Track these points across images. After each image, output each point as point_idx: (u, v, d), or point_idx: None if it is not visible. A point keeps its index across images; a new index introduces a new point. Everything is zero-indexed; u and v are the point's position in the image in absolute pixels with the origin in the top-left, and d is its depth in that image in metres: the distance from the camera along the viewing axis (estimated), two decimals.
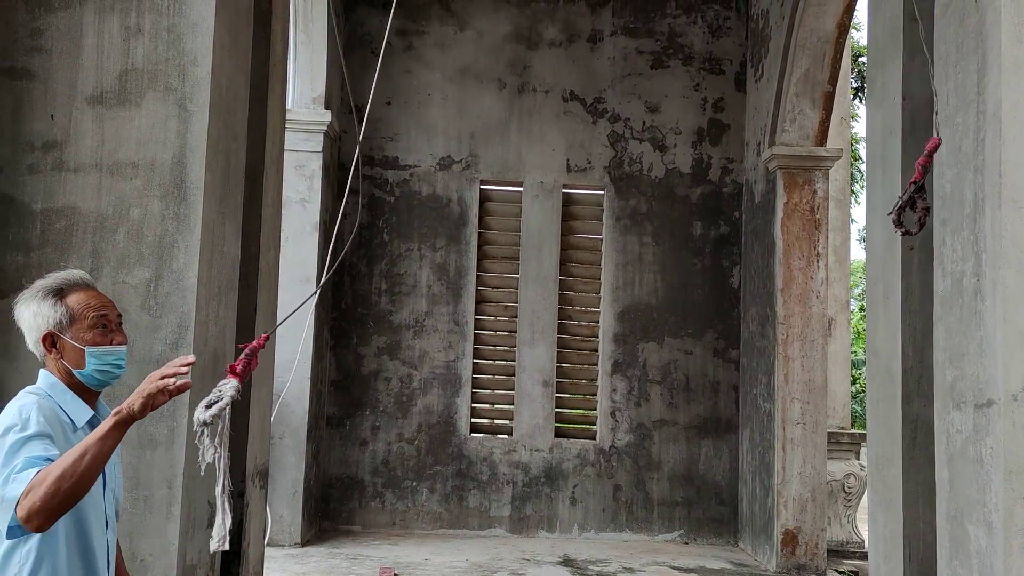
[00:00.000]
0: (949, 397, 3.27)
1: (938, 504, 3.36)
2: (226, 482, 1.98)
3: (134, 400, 1.87)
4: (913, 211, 2.83)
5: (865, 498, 6.26)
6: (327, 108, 7.61)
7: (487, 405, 8.45)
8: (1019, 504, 2.85)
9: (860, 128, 18.90)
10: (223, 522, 1.94)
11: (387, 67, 8.44)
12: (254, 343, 2.03)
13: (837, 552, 7.68)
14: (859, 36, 15.52)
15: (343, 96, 8.35)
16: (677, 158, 8.56)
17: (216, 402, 1.90)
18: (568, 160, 8.51)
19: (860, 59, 14.82)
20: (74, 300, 2.07)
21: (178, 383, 1.88)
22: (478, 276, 8.38)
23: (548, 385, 8.28)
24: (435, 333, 8.28)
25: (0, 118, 3.12)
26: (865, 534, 7.40)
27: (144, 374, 3.18)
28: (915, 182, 2.77)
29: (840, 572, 7.13)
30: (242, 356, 1.98)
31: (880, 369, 4.16)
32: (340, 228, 8.33)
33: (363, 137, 8.42)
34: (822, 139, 7.43)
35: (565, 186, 8.53)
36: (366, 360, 8.25)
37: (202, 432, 1.92)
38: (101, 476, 2.07)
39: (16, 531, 1.87)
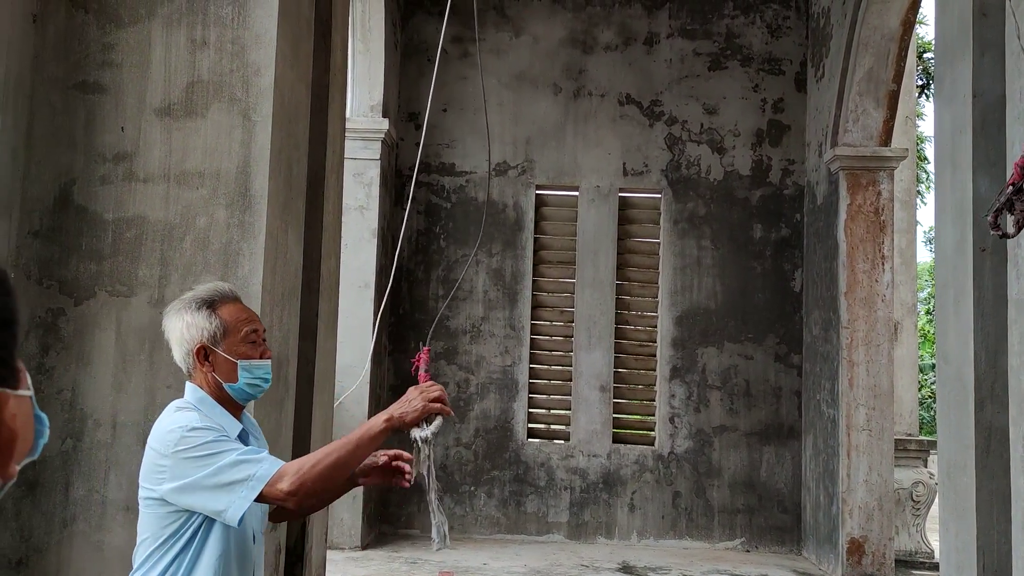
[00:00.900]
0: None
1: (1013, 514, 3.25)
2: (438, 491, 2.10)
3: (407, 412, 1.96)
4: (1011, 213, 2.75)
5: (935, 507, 6.09)
6: (385, 116, 7.69)
7: (544, 410, 8.44)
8: None
9: (926, 127, 18.43)
10: (440, 525, 2.08)
11: (443, 74, 8.50)
12: (420, 360, 2.19)
13: (906, 562, 7.48)
14: (924, 32, 15.15)
15: (400, 104, 8.43)
16: (736, 160, 8.45)
17: (433, 420, 2.02)
18: (624, 164, 8.46)
19: (926, 56, 14.45)
20: (227, 313, 2.05)
21: (445, 409, 2.00)
22: (534, 281, 8.38)
23: (605, 390, 8.23)
24: (491, 338, 8.29)
25: (74, 131, 3.22)
26: (935, 544, 7.19)
27: None
28: (1013, 183, 2.69)
29: None
30: (421, 372, 2.13)
31: (951, 375, 4.05)
32: (399, 235, 8.41)
33: (419, 144, 8.48)
34: (886, 139, 7.26)
35: (621, 190, 8.48)
36: None
37: (418, 449, 2.02)
38: None
39: (238, 512, 1.86)
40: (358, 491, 7.33)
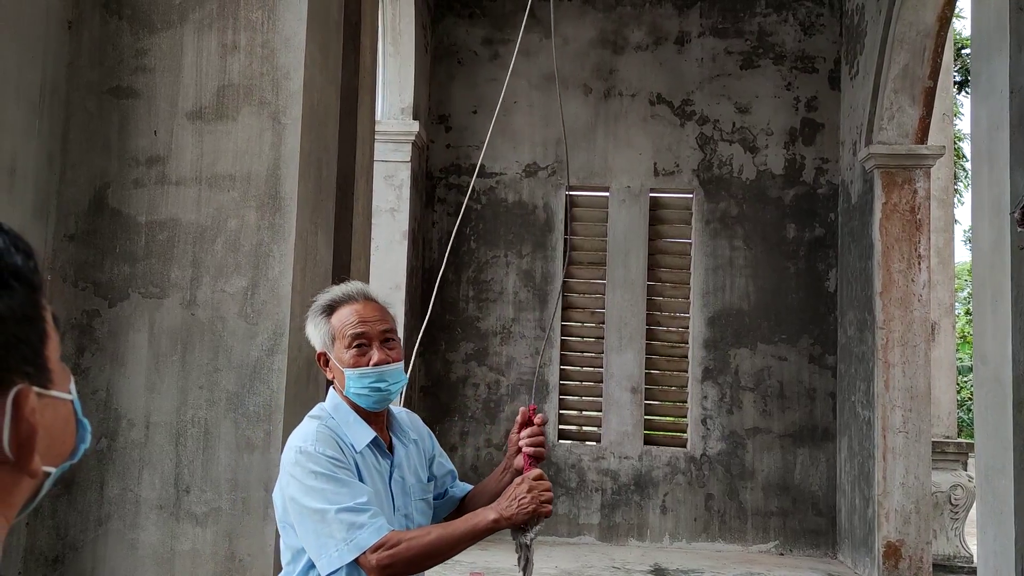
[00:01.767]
0: None
1: None
2: None
3: (517, 514, 1.84)
4: None
5: (974, 511, 5.99)
6: (415, 119, 7.72)
7: (575, 412, 8.42)
8: None
9: (964, 125, 18.13)
10: None
11: (473, 76, 8.52)
12: (528, 421, 2.08)
13: (944, 567, 7.35)
14: (962, 27, 14.90)
15: (431, 106, 8.46)
16: (769, 159, 8.37)
17: (537, 522, 1.92)
18: (655, 164, 8.42)
19: (964, 52, 14.21)
20: (337, 318, 1.95)
21: (549, 510, 1.90)
22: (564, 282, 8.37)
23: (636, 392, 8.19)
24: (522, 339, 8.29)
25: (108, 135, 3.27)
26: (974, 548, 7.07)
27: (242, 379, 3.28)
28: None
29: None
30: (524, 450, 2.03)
31: (989, 375, 3.97)
32: (429, 237, 8.44)
33: (450, 146, 8.51)
34: (922, 136, 7.15)
35: (652, 190, 8.43)
36: (454, 366, 8.32)
37: (523, 551, 1.95)
38: (391, 504, 1.97)
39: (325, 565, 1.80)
40: None
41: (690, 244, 8.39)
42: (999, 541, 3.80)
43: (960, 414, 14.44)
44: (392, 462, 2.00)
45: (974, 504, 6.44)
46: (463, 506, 2.18)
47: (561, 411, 8.30)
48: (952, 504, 7.53)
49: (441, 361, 8.34)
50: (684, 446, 8.19)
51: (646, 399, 8.25)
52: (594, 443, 8.25)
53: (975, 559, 6.19)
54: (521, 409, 2.09)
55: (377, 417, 1.99)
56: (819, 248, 8.23)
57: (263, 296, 3.27)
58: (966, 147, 15.36)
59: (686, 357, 8.27)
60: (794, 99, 8.40)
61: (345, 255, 4.31)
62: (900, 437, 6.88)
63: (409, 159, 7.69)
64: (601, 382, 8.26)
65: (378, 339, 1.95)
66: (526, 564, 1.97)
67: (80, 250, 3.25)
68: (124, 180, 3.25)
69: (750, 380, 8.12)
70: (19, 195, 3.02)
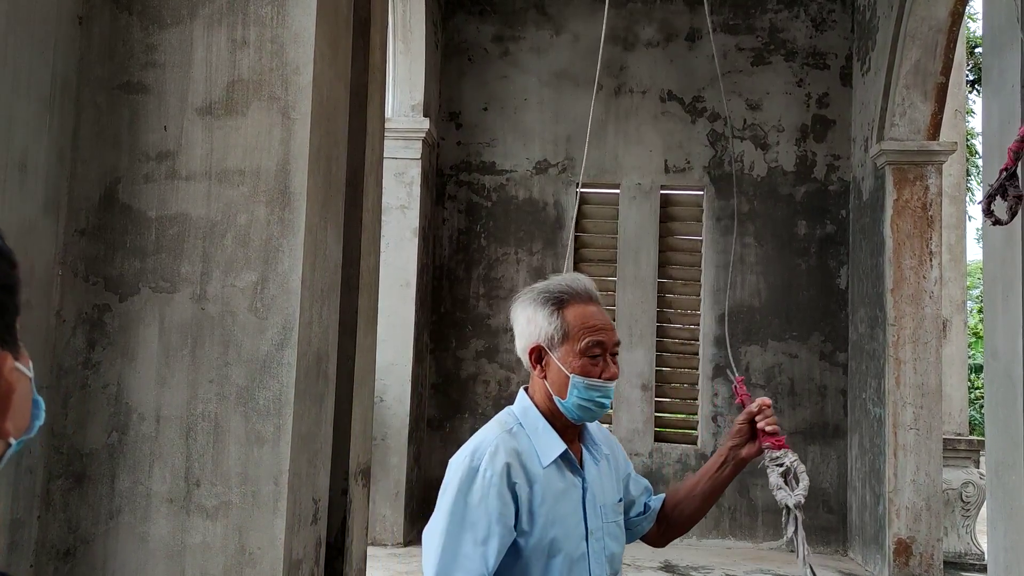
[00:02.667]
0: None
1: None
2: (808, 556, 1.95)
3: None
4: (1004, 199, 2.68)
5: (985, 508, 5.96)
6: (425, 116, 7.73)
7: None
8: None
9: (977, 123, 18.03)
10: None
11: (483, 73, 8.53)
12: (742, 393, 2.06)
13: (955, 564, 7.32)
14: (976, 28, 14.81)
15: (441, 103, 8.47)
16: (780, 156, 8.34)
17: (795, 476, 1.89)
18: (666, 161, 8.40)
19: (977, 50, 14.13)
20: (572, 315, 1.75)
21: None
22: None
23: (647, 389, 8.18)
24: None
25: (118, 131, 3.29)
26: (985, 545, 7.03)
27: (252, 374, 3.30)
28: (1006, 169, 2.64)
29: None
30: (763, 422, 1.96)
31: (999, 371, 3.95)
32: (440, 234, 8.45)
33: (460, 143, 8.52)
34: (934, 133, 7.11)
35: (663, 187, 8.42)
36: (465, 363, 8.33)
37: (791, 515, 1.90)
38: (582, 527, 1.75)
39: None
40: (400, 488, 7.38)
41: (701, 241, 8.37)
42: (1009, 537, 3.79)
43: (973, 413, 14.37)
44: (584, 479, 1.79)
45: (985, 501, 6.41)
46: (665, 515, 2.05)
47: None
48: (963, 501, 7.50)
49: (452, 358, 8.35)
50: (695, 443, 8.17)
51: (656, 396, 8.24)
52: None
53: (986, 556, 6.16)
54: (758, 401, 1.98)
55: (571, 429, 1.81)
56: (830, 245, 8.20)
57: (273, 291, 3.28)
58: (978, 144, 15.28)
59: (697, 354, 8.26)
60: (805, 95, 8.37)
61: (355, 251, 4.32)
62: (911, 434, 6.85)
63: (419, 156, 7.70)
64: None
65: (611, 351, 1.78)
66: (796, 529, 1.85)
67: (91, 245, 3.27)
68: (134, 175, 3.27)
69: (761, 377, 8.10)
70: (30, 190, 3.05)
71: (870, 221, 7.54)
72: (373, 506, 7.00)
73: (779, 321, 8.15)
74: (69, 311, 3.25)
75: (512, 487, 1.68)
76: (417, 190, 7.68)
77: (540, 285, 1.81)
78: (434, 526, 1.73)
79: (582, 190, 8.49)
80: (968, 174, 13.63)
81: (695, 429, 8.24)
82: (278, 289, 3.28)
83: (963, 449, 7.68)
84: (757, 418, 1.96)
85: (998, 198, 2.70)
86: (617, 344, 1.80)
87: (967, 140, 11.68)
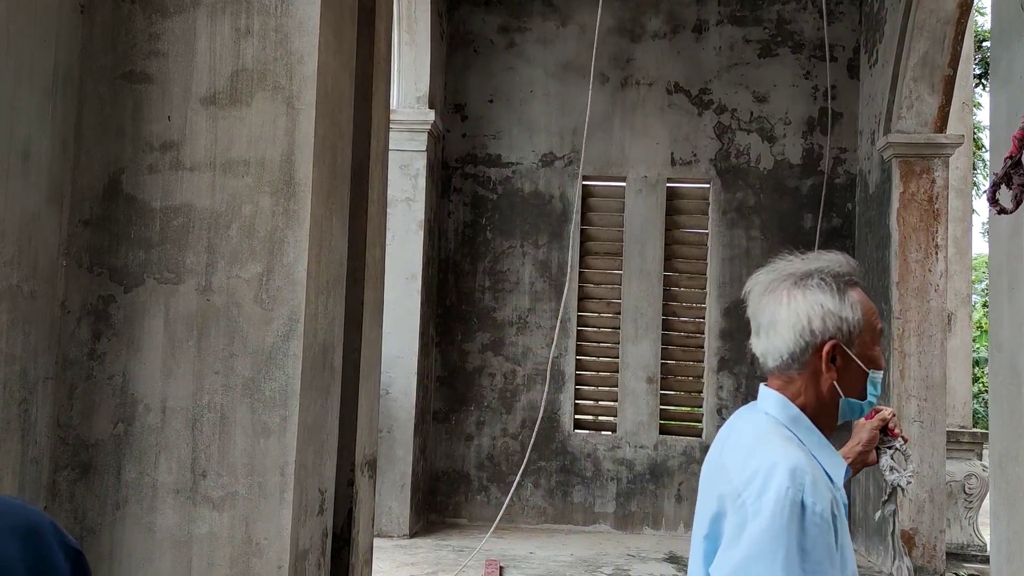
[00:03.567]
0: None
1: None
2: (898, 536, 1.94)
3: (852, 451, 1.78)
4: (1009, 188, 2.66)
5: (987, 500, 5.95)
6: (431, 107, 7.72)
7: (591, 402, 8.41)
8: None
9: (983, 116, 17.93)
10: (907, 568, 1.90)
11: (489, 65, 8.51)
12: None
13: (957, 555, 7.32)
14: (983, 21, 14.73)
15: (446, 95, 8.45)
16: (786, 149, 8.32)
17: (905, 457, 1.90)
18: (672, 153, 8.38)
19: (984, 44, 14.05)
20: (860, 298, 1.47)
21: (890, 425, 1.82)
22: (581, 272, 8.35)
23: (652, 382, 8.18)
24: (538, 330, 8.29)
25: (122, 120, 3.28)
26: (987, 537, 7.04)
27: (258, 365, 3.31)
28: (1010, 157, 2.61)
29: (959, 575, 6.79)
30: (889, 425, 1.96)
31: (1004, 363, 3.94)
32: (445, 227, 8.44)
33: (466, 135, 8.51)
34: (941, 125, 7.08)
35: (669, 180, 8.40)
36: (470, 356, 8.33)
37: (895, 493, 1.89)
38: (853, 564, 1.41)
39: None
40: (406, 480, 7.39)
41: (707, 234, 8.35)
42: (1012, 528, 3.78)
43: (976, 405, 14.34)
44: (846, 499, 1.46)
45: (988, 493, 6.40)
46: None
47: (577, 401, 8.29)
48: (966, 493, 7.49)
49: (457, 351, 8.35)
50: (700, 436, 8.17)
51: (662, 389, 8.24)
52: (610, 433, 8.25)
53: (988, 547, 6.16)
54: (888, 410, 1.96)
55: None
56: (836, 238, 8.18)
57: (278, 282, 3.28)
58: (985, 138, 15.20)
59: (702, 347, 8.25)
60: (812, 88, 8.33)
61: (360, 242, 4.32)
62: (915, 426, 6.84)
63: (425, 148, 7.69)
64: (617, 372, 8.25)
65: None
66: (895, 507, 1.86)
67: (95, 235, 3.27)
68: (138, 166, 3.27)
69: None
70: (33, 181, 3.05)
71: (876, 214, 7.52)
72: (379, 498, 7.01)
73: None
74: (74, 302, 3.25)
75: (835, 524, 1.31)
76: (422, 182, 7.67)
77: (806, 266, 1.49)
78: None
79: (584, 182, 8.47)
80: (975, 168, 13.57)
81: (700, 422, 8.24)
82: (283, 280, 3.28)
83: (966, 441, 7.66)
84: (890, 423, 1.94)
85: (1003, 187, 2.68)
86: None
87: (974, 134, 11.63)
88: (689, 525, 7.97)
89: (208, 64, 3.26)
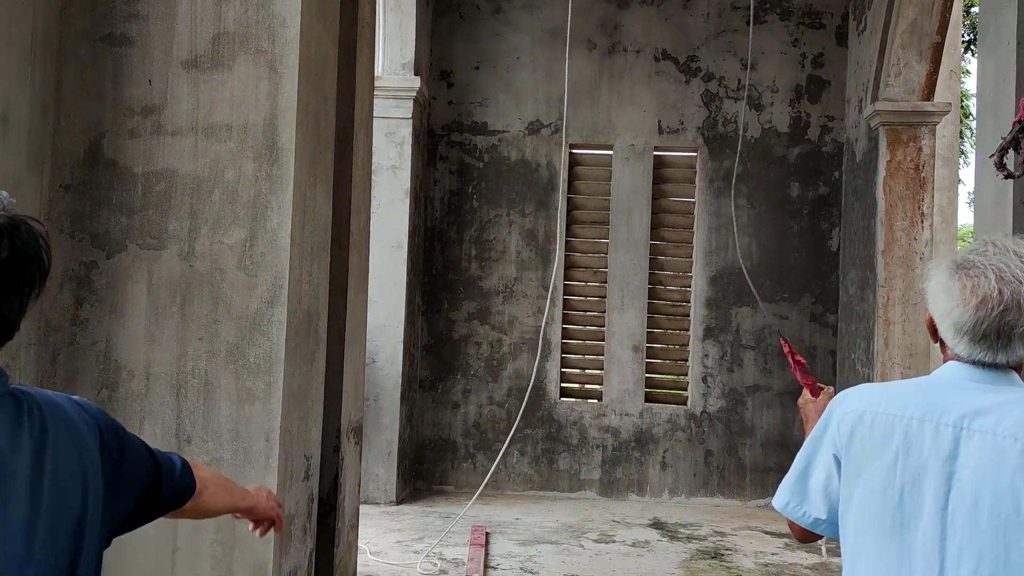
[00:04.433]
0: None
1: None
2: None
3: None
4: (1017, 152, 2.66)
5: None
6: (416, 74, 7.64)
7: (577, 370, 8.45)
8: None
9: (971, 84, 17.92)
10: None
11: (475, 31, 8.42)
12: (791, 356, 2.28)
13: None
14: None
15: (432, 62, 8.37)
16: (774, 117, 8.30)
17: None
18: (660, 121, 8.34)
19: (973, 10, 14.02)
20: None
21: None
22: (567, 241, 8.34)
23: (638, 350, 8.21)
24: (524, 298, 8.29)
25: (102, 84, 3.24)
26: None
27: (242, 331, 3.30)
28: (1020, 121, 2.61)
29: None
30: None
31: None
32: (431, 195, 8.40)
33: (452, 102, 8.44)
34: (929, 93, 7.07)
35: (657, 148, 8.37)
36: (457, 325, 8.33)
37: None
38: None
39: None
40: (393, 448, 7.42)
41: (694, 203, 8.35)
42: None
43: None
44: None
45: None
46: None
47: (563, 369, 8.33)
48: None
49: (444, 320, 8.35)
50: (685, 403, 8.22)
51: (647, 357, 8.27)
52: (595, 400, 8.29)
53: None
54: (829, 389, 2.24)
55: None
56: (823, 207, 8.19)
57: (262, 248, 3.26)
58: (972, 106, 15.21)
59: (688, 316, 8.27)
60: (800, 55, 8.30)
61: (345, 208, 4.29)
62: None
63: (410, 115, 7.63)
64: (603, 340, 8.28)
65: None
66: None
67: (76, 201, 3.24)
68: (119, 130, 3.23)
69: (751, 338, 8.13)
70: (13, 145, 3.00)
71: (863, 183, 7.53)
72: (366, 465, 7.04)
73: (770, 283, 8.15)
74: (55, 268, 3.21)
75: None
76: (408, 150, 7.61)
77: (949, 258, 1.59)
78: None
79: (571, 150, 8.43)
80: (961, 136, 13.60)
81: (685, 390, 8.29)
82: (267, 246, 3.26)
83: None
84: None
85: (1011, 151, 2.66)
86: None
87: (961, 102, 11.64)
88: (675, 492, 8.05)
89: (189, 27, 3.21)
